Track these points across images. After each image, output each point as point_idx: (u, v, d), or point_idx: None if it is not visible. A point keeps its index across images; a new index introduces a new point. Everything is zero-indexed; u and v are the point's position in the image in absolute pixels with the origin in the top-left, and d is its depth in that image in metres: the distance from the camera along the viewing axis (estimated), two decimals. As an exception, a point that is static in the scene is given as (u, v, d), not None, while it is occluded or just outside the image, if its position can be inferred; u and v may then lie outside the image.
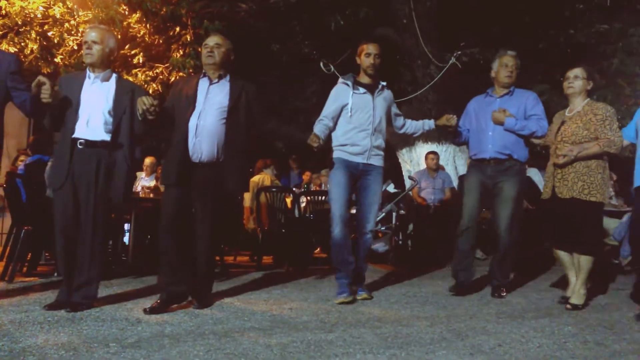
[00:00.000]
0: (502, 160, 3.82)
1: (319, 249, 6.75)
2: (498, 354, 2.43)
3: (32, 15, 5.76)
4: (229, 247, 6.27)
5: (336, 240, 3.58)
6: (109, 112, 3.14)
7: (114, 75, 3.25)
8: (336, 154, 3.69)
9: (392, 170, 7.76)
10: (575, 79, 3.57)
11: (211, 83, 3.33)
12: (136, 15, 6.26)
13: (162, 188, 5.72)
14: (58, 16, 5.87)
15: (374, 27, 7.87)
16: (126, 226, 5.22)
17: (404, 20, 7.51)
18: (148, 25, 6.35)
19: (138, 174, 6.86)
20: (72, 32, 6.08)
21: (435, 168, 6.66)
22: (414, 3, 7.41)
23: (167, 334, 2.60)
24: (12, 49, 5.88)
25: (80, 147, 3.08)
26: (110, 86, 3.20)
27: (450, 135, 4.12)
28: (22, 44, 5.97)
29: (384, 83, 3.79)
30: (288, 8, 7.60)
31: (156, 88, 6.53)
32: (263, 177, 6.22)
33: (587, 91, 3.59)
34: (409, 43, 7.62)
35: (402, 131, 3.99)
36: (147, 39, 6.47)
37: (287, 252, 5.58)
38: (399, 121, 3.96)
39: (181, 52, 6.50)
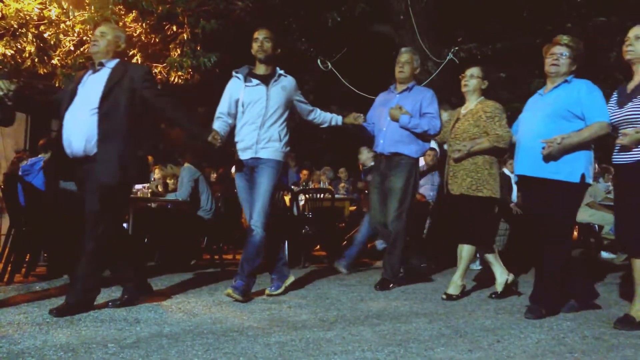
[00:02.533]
0: (391, 156, 3.93)
1: (318, 247, 6.75)
2: (497, 349, 2.43)
3: (27, 17, 5.74)
4: (227, 246, 6.28)
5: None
6: None
7: None
8: (238, 153, 3.62)
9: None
10: (471, 78, 3.69)
11: (92, 73, 3.17)
12: (132, 15, 6.24)
13: (160, 187, 5.73)
14: (54, 17, 5.85)
15: (371, 24, 7.86)
16: (124, 226, 5.21)
17: (401, 16, 7.49)
18: (144, 25, 6.33)
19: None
20: (69, 33, 6.06)
21: (433, 164, 6.65)
22: (411, -1, 7.41)
23: (166, 334, 2.60)
24: (9, 52, 5.87)
25: None
26: None
27: (359, 133, 4.15)
28: (19, 46, 5.95)
29: (282, 71, 3.65)
30: (284, 5, 7.59)
31: (156, 88, 6.51)
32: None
33: (482, 90, 3.69)
34: (406, 39, 7.60)
35: (309, 119, 3.86)
36: (143, 38, 6.45)
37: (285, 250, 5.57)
38: (305, 108, 3.80)
39: (178, 51, 6.49)
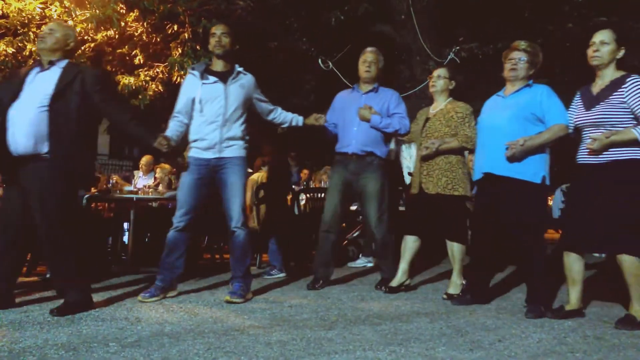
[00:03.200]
0: (364, 156, 3.89)
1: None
2: (498, 349, 2.43)
3: (29, 17, 5.74)
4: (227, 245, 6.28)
5: (167, 242, 3.43)
6: None
7: None
8: (190, 151, 3.49)
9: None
10: (438, 79, 3.78)
11: (41, 70, 3.07)
12: (133, 14, 6.24)
13: (162, 187, 5.74)
14: (55, 16, 5.84)
15: (372, 23, 7.86)
16: (125, 225, 5.22)
17: (402, 16, 7.49)
18: (145, 24, 6.33)
19: (135, 172, 6.87)
20: (70, 32, 6.05)
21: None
22: (412, -1, 7.40)
23: (167, 333, 2.60)
24: (10, 50, 5.87)
25: None
26: None
27: (320, 134, 4.09)
28: (20, 44, 5.96)
29: (241, 69, 3.57)
30: (285, 5, 7.59)
31: (156, 88, 6.52)
32: (261, 175, 6.20)
33: (449, 90, 3.78)
34: (407, 39, 7.60)
35: (269, 118, 3.77)
36: (144, 37, 6.45)
37: (286, 249, 5.58)
38: (265, 107, 3.72)
39: (179, 51, 6.48)
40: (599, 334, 2.71)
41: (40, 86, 3.00)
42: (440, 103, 3.78)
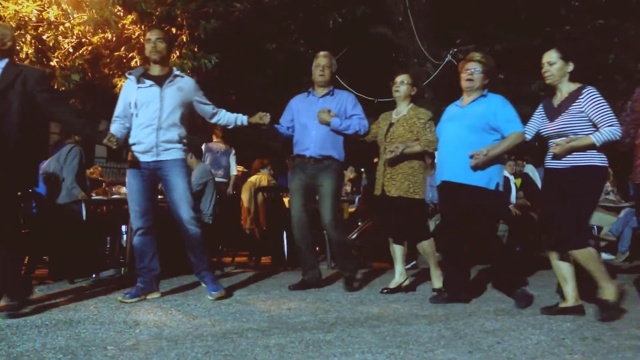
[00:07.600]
0: (321, 159, 3.94)
1: (317, 249, 6.75)
2: (496, 351, 2.43)
3: (26, 19, 5.73)
4: (226, 248, 6.28)
5: (135, 249, 3.50)
6: None
7: None
8: (132, 155, 3.52)
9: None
10: (402, 84, 3.87)
11: None
12: (131, 17, 6.24)
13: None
14: (52, 19, 5.84)
15: (370, 26, 7.87)
16: (123, 228, 5.20)
17: (399, 17, 7.51)
18: (143, 27, 6.33)
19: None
20: (67, 35, 6.06)
21: (431, 166, 6.66)
22: (409, 1, 7.41)
23: (165, 337, 2.60)
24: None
25: None
26: None
27: (267, 134, 4.12)
28: (18, 47, 5.95)
29: (178, 72, 3.62)
30: (283, 7, 7.60)
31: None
32: (260, 177, 6.22)
33: (411, 96, 3.88)
34: (405, 41, 7.62)
35: (213, 120, 3.81)
36: (142, 40, 6.44)
37: (285, 252, 5.57)
38: (207, 110, 3.73)
39: (177, 53, 6.48)
40: (597, 335, 2.71)
41: None
42: (403, 109, 3.88)
